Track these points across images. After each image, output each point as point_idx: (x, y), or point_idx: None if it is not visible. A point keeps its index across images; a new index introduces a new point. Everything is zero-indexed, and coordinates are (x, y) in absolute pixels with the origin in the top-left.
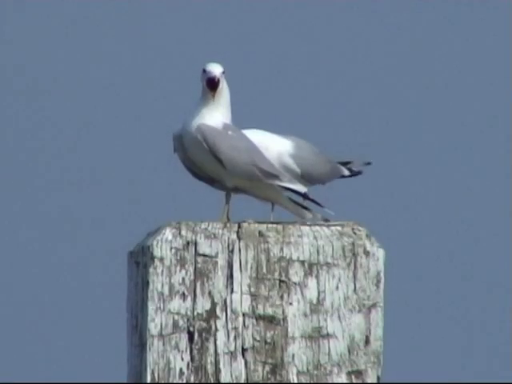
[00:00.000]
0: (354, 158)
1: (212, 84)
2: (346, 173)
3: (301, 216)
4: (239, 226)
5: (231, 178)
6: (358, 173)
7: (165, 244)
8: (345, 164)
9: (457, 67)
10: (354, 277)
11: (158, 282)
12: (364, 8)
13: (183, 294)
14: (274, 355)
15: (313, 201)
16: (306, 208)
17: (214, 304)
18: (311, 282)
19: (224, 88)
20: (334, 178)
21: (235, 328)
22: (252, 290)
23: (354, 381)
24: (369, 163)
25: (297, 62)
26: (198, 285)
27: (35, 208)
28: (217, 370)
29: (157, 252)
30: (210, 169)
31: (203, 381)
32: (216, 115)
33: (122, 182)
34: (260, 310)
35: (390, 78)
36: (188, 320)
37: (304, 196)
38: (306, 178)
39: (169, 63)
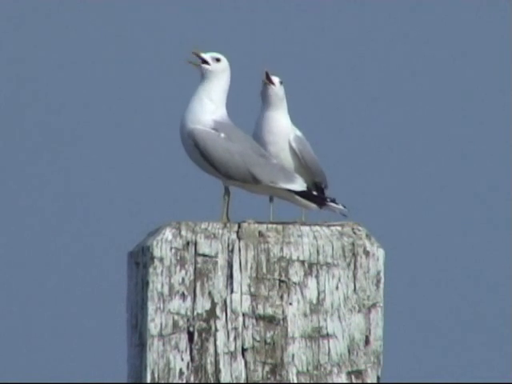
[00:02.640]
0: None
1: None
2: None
3: (306, 207)
4: (239, 226)
5: (227, 180)
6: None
7: (165, 244)
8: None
9: (455, 67)
10: (354, 277)
11: (157, 282)
12: (363, 9)
13: (183, 294)
14: (273, 355)
15: (316, 196)
16: (332, 201)
17: (213, 304)
18: (311, 282)
19: (220, 79)
20: (322, 180)
21: (235, 328)
22: (252, 290)
23: (353, 381)
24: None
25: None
26: (198, 285)
27: (36, 208)
28: (217, 370)
29: (157, 252)
30: (207, 171)
31: (203, 381)
32: (210, 109)
33: (122, 183)
34: (260, 310)
35: (392, 77)
36: (188, 320)
37: (302, 194)
38: (306, 164)
39: (168, 60)
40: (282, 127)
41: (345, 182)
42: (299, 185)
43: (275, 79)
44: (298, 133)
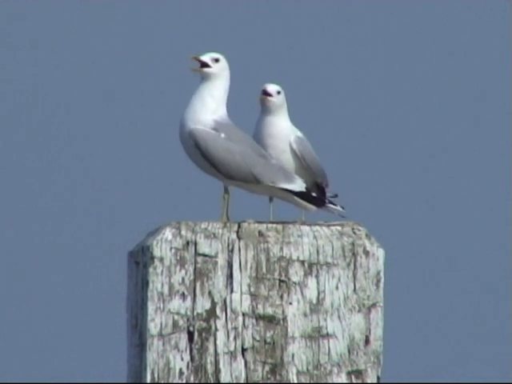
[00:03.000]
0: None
1: (265, 94)
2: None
3: (305, 208)
4: (239, 226)
5: (227, 180)
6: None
7: (165, 244)
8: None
9: (455, 68)
10: (354, 277)
11: (157, 281)
12: (363, 8)
13: (183, 293)
14: (273, 355)
15: (316, 197)
16: (330, 202)
17: (213, 304)
18: (311, 282)
19: (221, 76)
20: (323, 179)
21: (235, 328)
22: (252, 289)
23: (353, 381)
24: (336, 195)
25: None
26: (198, 285)
27: (36, 208)
28: (217, 370)
29: (157, 252)
30: (207, 171)
31: (203, 381)
32: (211, 108)
33: (122, 183)
34: (260, 310)
35: (392, 76)
36: (188, 320)
37: (302, 194)
38: (307, 165)
39: (168, 58)
40: (282, 130)
41: (345, 182)
42: (298, 185)
43: (273, 90)
44: (299, 134)
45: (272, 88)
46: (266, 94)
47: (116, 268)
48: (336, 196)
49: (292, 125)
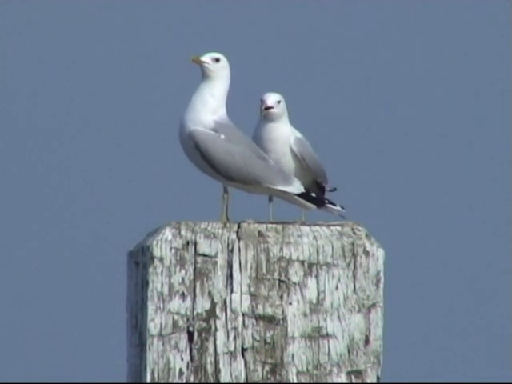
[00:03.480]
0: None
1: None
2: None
3: (305, 207)
4: (239, 226)
5: (226, 181)
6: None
7: (164, 244)
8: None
9: (455, 69)
10: (354, 277)
11: (157, 281)
12: (362, 9)
13: (183, 293)
14: (273, 355)
15: (315, 198)
16: (330, 202)
17: (213, 304)
18: (311, 282)
19: (221, 76)
20: (323, 178)
21: (235, 328)
22: (252, 289)
23: (353, 381)
24: (334, 189)
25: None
26: (198, 285)
27: (36, 208)
28: (216, 370)
29: (156, 252)
30: (206, 172)
31: (203, 381)
32: (211, 108)
33: (122, 183)
34: (260, 310)
35: (391, 76)
36: (188, 320)
37: (301, 196)
38: (307, 165)
39: (168, 58)
40: (282, 134)
41: (345, 182)
42: (296, 187)
43: (273, 101)
44: (298, 135)
45: (272, 100)
46: (266, 108)
47: (116, 268)
48: (335, 190)
49: (291, 127)
